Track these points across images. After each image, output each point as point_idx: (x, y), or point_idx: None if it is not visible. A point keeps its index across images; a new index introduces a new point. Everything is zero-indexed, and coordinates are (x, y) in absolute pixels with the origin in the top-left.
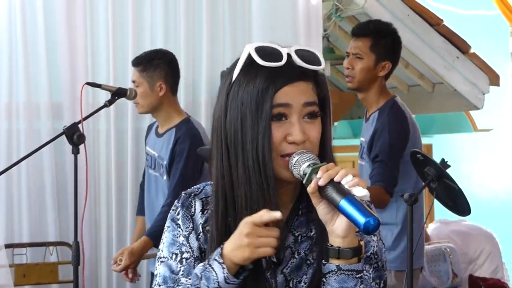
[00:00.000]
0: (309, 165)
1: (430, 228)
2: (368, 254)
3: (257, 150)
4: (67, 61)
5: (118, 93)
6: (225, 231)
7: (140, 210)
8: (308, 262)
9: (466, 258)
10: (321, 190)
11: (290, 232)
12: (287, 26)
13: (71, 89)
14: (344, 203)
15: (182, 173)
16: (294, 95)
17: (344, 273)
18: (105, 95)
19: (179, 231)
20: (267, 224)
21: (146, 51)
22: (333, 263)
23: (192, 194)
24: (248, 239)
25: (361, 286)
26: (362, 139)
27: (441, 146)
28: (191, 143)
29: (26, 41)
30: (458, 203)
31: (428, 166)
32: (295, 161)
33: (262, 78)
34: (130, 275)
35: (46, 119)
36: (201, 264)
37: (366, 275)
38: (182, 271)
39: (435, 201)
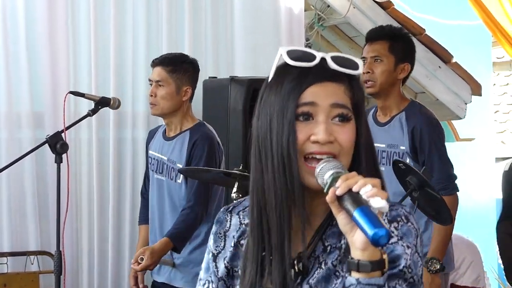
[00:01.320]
0: (332, 173)
1: None
2: (401, 268)
3: (282, 151)
4: (49, 70)
5: (101, 102)
6: (260, 236)
7: (144, 219)
8: (337, 274)
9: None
10: (339, 199)
11: (321, 241)
12: (269, 36)
13: (53, 98)
14: (356, 214)
15: None
16: (321, 94)
17: (363, 287)
18: (87, 104)
19: (211, 251)
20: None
21: (170, 53)
22: (353, 277)
23: (230, 207)
24: None
25: None
26: (375, 144)
27: None
28: (209, 145)
29: (7, 50)
30: (440, 212)
31: (410, 175)
32: (320, 169)
33: (290, 78)
34: (141, 286)
35: (27, 128)
36: None
37: None
38: None
39: (417, 210)
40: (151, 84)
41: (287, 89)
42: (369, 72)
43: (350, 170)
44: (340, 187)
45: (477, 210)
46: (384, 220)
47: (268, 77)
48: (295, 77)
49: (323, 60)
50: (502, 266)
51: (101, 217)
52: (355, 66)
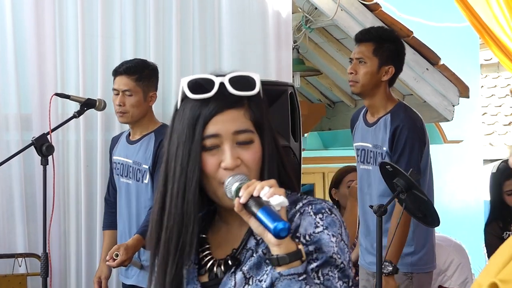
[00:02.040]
0: (237, 186)
1: None
2: (330, 254)
3: (185, 181)
4: (36, 72)
5: (87, 104)
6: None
7: (108, 224)
8: (267, 261)
9: (435, 269)
10: (245, 207)
11: (252, 236)
12: (257, 38)
13: (40, 100)
14: (259, 214)
15: None
16: (223, 124)
17: (286, 278)
18: (74, 106)
19: None
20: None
21: (131, 59)
22: (276, 271)
23: None
24: None
25: (306, 287)
26: (364, 144)
27: None
28: None
29: None
30: (427, 214)
31: (398, 177)
32: (226, 184)
33: (193, 109)
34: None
35: (15, 130)
36: None
37: (331, 275)
38: None
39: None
40: (116, 94)
41: (190, 121)
42: (352, 73)
43: (261, 179)
44: (242, 196)
45: (465, 212)
46: (310, 212)
47: (177, 102)
48: (198, 107)
49: (222, 85)
50: None
51: (89, 219)
52: (252, 86)
